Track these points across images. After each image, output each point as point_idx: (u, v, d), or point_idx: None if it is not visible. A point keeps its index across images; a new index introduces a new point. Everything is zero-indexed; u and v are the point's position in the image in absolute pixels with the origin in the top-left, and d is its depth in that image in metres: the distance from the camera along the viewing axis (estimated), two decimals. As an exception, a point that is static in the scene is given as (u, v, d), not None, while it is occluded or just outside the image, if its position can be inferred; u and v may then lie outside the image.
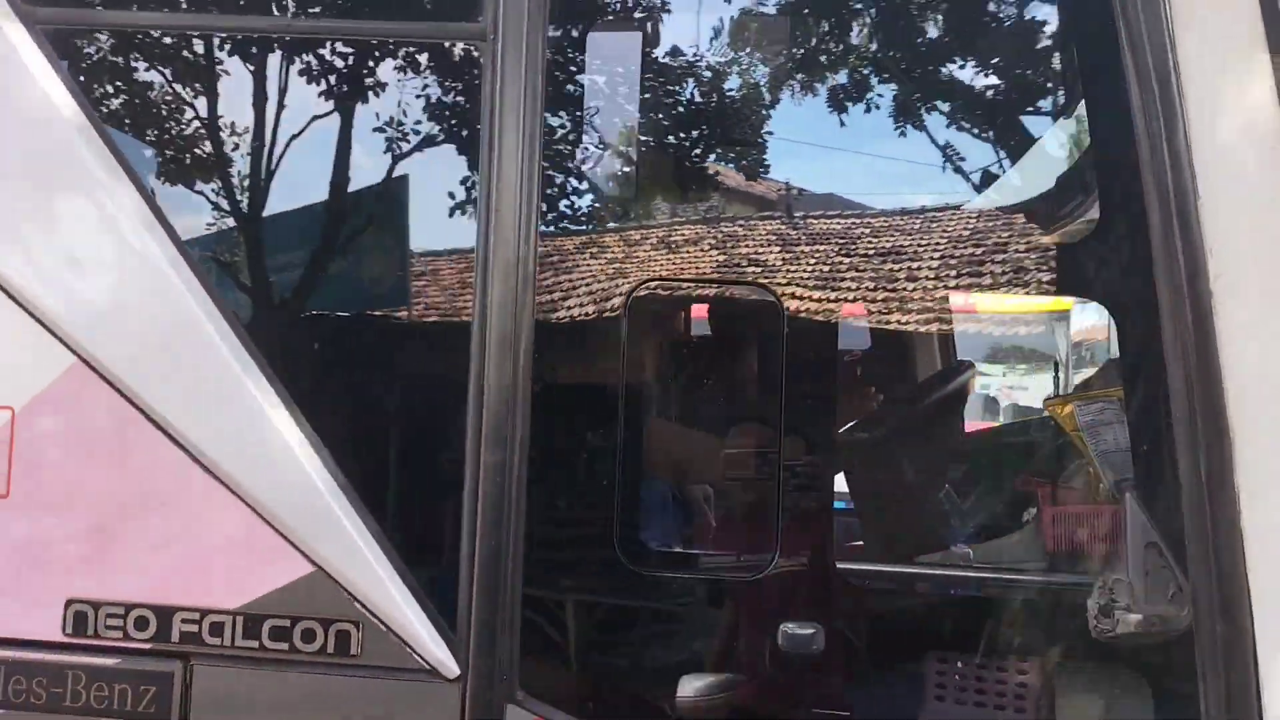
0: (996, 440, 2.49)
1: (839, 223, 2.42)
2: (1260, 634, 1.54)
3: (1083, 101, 1.98)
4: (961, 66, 2.45)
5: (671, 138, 2.15)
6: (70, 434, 1.78)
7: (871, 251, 2.33)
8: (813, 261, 2.37)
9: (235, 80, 1.88)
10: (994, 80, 2.48)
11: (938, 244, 2.38)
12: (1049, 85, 2.48)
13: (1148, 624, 1.57)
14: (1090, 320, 5.33)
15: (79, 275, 1.79)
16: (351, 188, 1.89)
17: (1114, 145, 1.70)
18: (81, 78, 1.85)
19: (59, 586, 1.76)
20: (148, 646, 1.74)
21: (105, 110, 1.85)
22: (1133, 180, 1.60)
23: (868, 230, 2.41)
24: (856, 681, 1.82)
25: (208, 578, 1.74)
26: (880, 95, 2.38)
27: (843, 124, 2.33)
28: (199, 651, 1.73)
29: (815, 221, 2.45)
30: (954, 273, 2.33)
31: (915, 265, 2.32)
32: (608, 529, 1.75)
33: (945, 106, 2.51)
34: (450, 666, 1.68)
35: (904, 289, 2.28)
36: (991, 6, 2.41)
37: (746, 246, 2.33)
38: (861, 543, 2.01)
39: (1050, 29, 2.25)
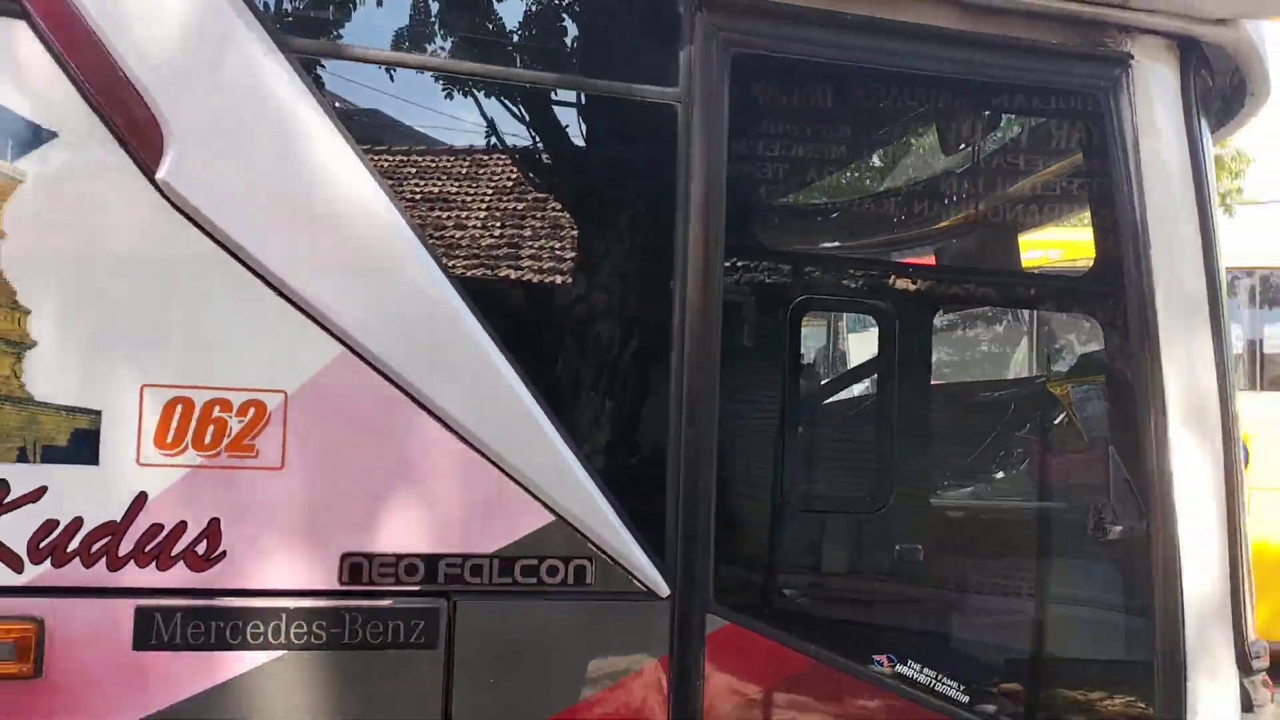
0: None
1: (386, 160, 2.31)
2: (1182, 536, 2.40)
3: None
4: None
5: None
6: (339, 413, 2.06)
7: (417, 196, 2.35)
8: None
9: (475, 113, 2.20)
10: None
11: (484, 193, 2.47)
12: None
13: (1125, 533, 2.38)
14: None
15: (348, 278, 2.06)
16: (573, 215, 2.28)
17: (1107, 225, 2.48)
18: (335, 102, 2.10)
19: (335, 544, 2.05)
20: (417, 588, 2.08)
21: (354, 130, 2.10)
22: (1117, 246, 2.40)
23: (414, 171, 2.37)
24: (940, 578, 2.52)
25: (467, 529, 2.11)
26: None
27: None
28: (461, 590, 2.10)
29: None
30: (499, 224, 2.43)
31: (464, 214, 2.39)
32: (776, 478, 2.31)
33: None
34: (663, 588, 2.17)
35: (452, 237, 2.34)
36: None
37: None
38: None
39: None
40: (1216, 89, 2.74)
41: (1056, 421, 2.64)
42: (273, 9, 2.06)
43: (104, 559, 1.96)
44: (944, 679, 2.30)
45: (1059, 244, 4.55)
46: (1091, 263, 2.58)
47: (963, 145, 2.68)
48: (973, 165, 2.72)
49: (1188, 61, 2.52)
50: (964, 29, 2.38)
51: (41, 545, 1.93)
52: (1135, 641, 2.44)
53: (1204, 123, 2.59)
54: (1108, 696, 2.46)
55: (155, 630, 1.97)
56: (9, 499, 1.93)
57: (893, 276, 2.58)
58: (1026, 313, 4.13)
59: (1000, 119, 2.71)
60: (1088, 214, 2.64)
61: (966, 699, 2.31)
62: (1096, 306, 2.59)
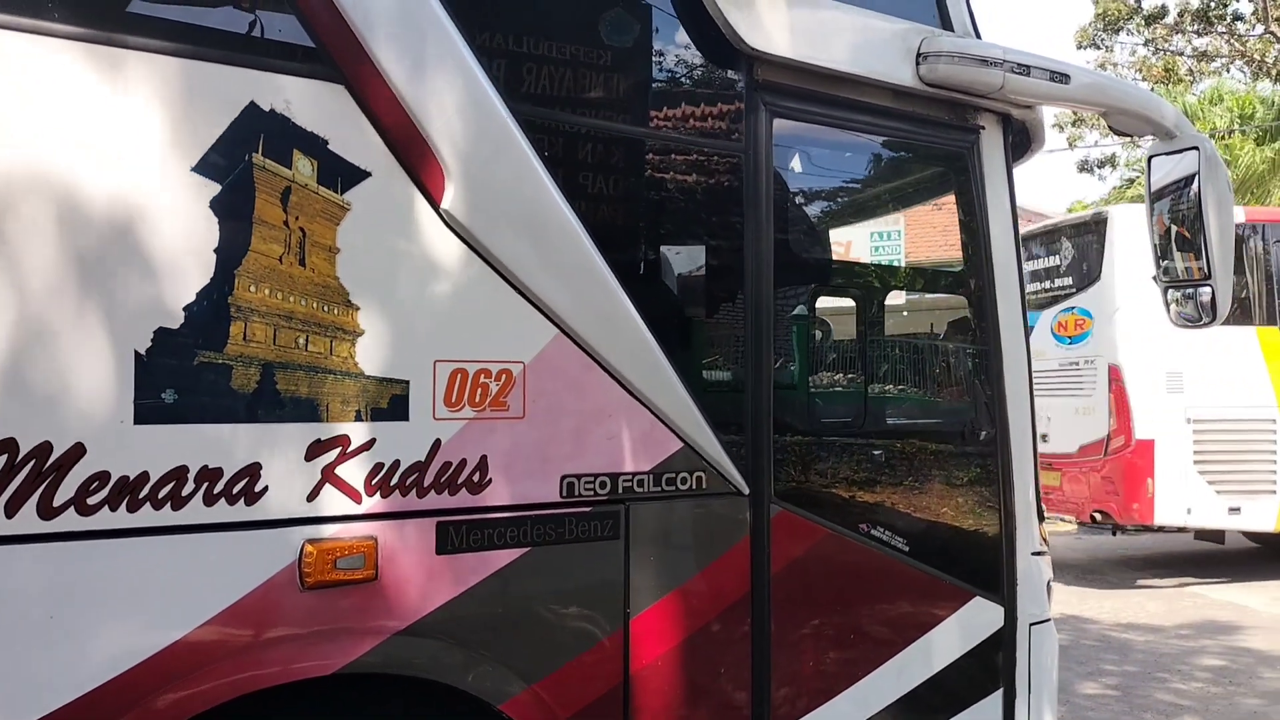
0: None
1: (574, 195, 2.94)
2: (1011, 436, 3.78)
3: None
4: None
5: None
6: (557, 377, 2.85)
7: (597, 222, 3.00)
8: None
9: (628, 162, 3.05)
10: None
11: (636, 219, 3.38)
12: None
13: (985, 436, 3.73)
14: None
15: (559, 280, 2.84)
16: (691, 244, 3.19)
17: (969, 234, 3.78)
18: (543, 151, 2.85)
19: (556, 469, 2.85)
20: (606, 497, 2.93)
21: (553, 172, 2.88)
22: (974, 247, 3.72)
23: (591, 203, 3.04)
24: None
25: (634, 454, 2.97)
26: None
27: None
28: (632, 497, 2.97)
29: None
30: (645, 243, 4.04)
31: (626, 235, 3.60)
32: (805, 411, 3.35)
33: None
34: (745, 488, 3.17)
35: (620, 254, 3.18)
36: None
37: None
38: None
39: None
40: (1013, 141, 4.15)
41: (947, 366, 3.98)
42: (505, 87, 2.79)
43: (414, 489, 2.65)
44: (894, 537, 3.53)
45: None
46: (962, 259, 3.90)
47: (888, 180, 3.90)
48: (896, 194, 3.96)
49: (1008, 126, 3.88)
50: (893, 106, 3.57)
51: (373, 482, 2.59)
52: (988, 502, 3.80)
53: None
54: (977, 532, 3.81)
55: (449, 539, 2.69)
56: (350, 449, 2.57)
57: (861, 271, 3.76)
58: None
59: (909, 163, 3.97)
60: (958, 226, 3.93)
61: (906, 549, 3.55)
62: (965, 288, 3.91)
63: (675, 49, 3.23)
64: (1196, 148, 3.99)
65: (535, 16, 2.98)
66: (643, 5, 3.21)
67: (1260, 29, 27.56)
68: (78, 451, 2.26)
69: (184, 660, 2.36)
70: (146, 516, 2.33)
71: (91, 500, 2.28)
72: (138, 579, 2.34)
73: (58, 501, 2.24)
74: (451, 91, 2.69)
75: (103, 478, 2.28)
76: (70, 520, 2.26)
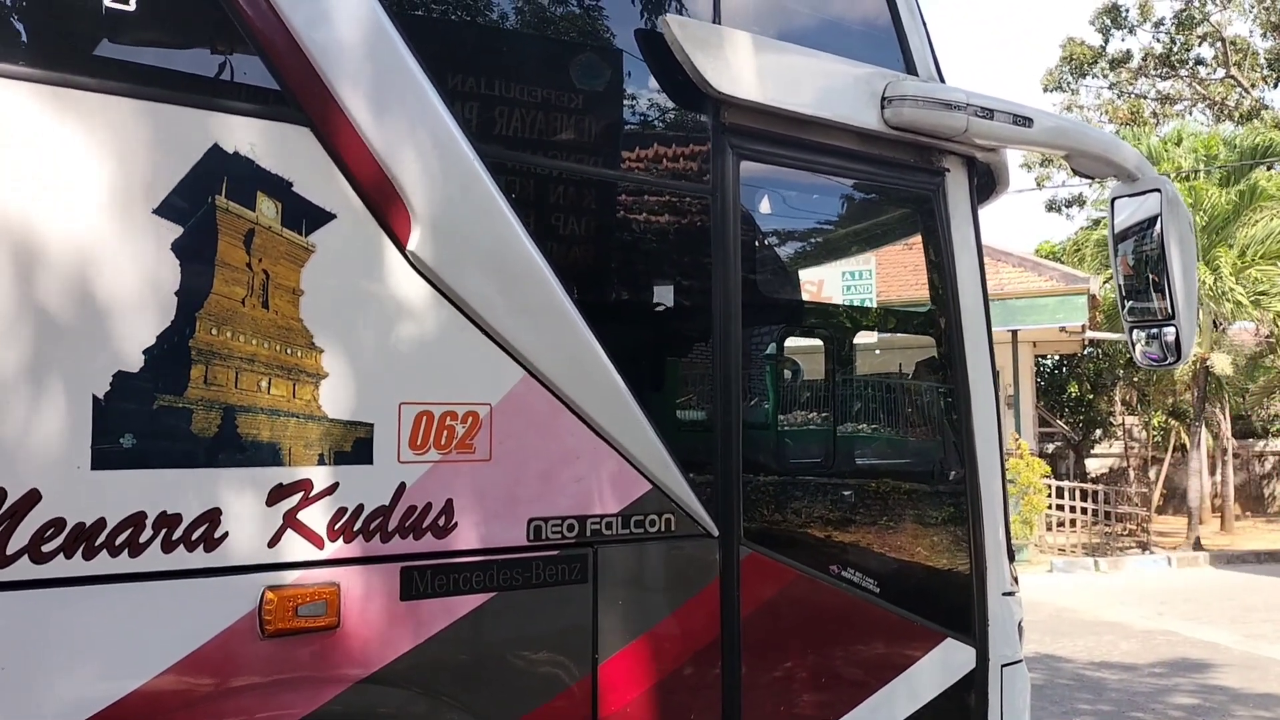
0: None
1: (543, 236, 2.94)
2: (980, 475, 3.78)
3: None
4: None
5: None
6: (524, 419, 2.83)
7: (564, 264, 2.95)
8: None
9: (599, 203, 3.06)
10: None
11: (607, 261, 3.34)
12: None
13: (955, 475, 3.73)
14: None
15: (527, 321, 2.83)
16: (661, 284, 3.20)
17: (935, 273, 3.81)
18: (510, 193, 2.85)
19: (524, 512, 2.82)
20: (574, 540, 2.90)
21: (520, 213, 2.87)
22: (941, 287, 3.74)
23: (560, 245, 3.05)
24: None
25: (602, 497, 2.95)
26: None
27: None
28: (600, 540, 2.94)
29: None
30: (615, 287, 3.77)
31: (596, 278, 3.25)
32: (775, 454, 3.34)
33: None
34: (715, 530, 3.15)
35: (588, 296, 3.08)
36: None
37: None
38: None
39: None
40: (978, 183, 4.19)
41: (917, 405, 3.99)
42: (472, 129, 2.79)
43: (378, 534, 2.61)
44: (865, 578, 3.51)
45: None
46: (929, 299, 3.92)
47: (855, 222, 3.94)
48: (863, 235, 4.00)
49: (972, 169, 3.92)
50: (859, 149, 3.60)
51: (336, 527, 2.56)
52: (959, 543, 3.80)
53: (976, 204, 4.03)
54: (948, 573, 3.80)
55: (414, 584, 2.65)
56: (313, 493, 2.53)
57: (830, 311, 3.77)
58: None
59: (875, 205, 4.01)
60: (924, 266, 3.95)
61: (877, 590, 3.53)
62: (933, 328, 3.93)
63: (643, 92, 3.25)
64: (1158, 189, 4.04)
65: (502, 59, 2.99)
66: (611, 49, 3.24)
67: (1221, 73, 28.18)
68: (33, 498, 2.21)
69: (140, 711, 2.30)
70: (103, 564, 2.28)
71: (46, 548, 2.23)
72: (93, 628, 2.29)
73: (11, 549, 2.19)
74: (418, 134, 2.69)
75: (58, 524, 2.24)
76: (24, 569, 2.21)
